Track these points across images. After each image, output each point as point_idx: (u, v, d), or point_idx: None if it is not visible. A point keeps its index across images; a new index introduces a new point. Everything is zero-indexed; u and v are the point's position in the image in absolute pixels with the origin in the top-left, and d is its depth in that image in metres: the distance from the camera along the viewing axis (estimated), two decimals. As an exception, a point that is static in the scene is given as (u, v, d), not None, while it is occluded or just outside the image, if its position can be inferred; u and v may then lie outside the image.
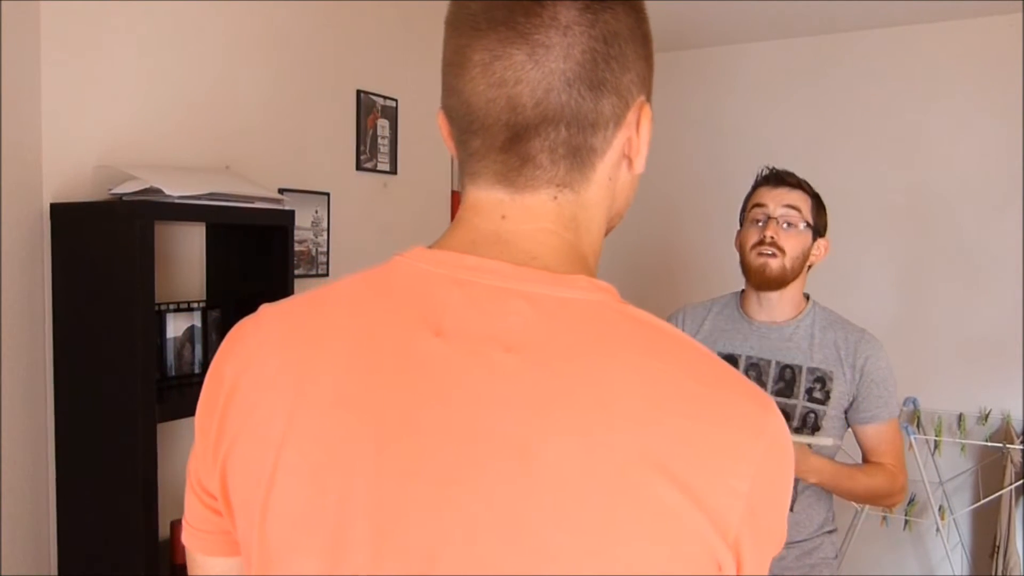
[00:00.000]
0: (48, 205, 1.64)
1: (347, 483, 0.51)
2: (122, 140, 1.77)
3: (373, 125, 2.51)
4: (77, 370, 1.62)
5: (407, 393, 0.52)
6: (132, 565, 1.53)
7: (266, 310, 0.61)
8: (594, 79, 0.54)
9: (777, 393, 1.59)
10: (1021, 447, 2.74)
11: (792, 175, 1.64)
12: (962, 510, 3.01)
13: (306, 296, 0.61)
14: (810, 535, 1.61)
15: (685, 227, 3.57)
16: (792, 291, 1.63)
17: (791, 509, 1.56)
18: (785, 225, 1.59)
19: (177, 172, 1.78)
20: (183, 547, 0.67)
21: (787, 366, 1.60)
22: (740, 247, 1.66)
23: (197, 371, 1.83)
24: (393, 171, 2.62)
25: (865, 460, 1.64)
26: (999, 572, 2.73)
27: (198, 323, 1.84)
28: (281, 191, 2.16)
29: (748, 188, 1.70)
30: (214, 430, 0.59)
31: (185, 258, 1.95)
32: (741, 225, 1.69)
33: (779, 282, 1.60)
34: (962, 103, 3.01)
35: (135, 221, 1.49)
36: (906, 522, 3.08)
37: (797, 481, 1.53)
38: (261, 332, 0.60)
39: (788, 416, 1.58)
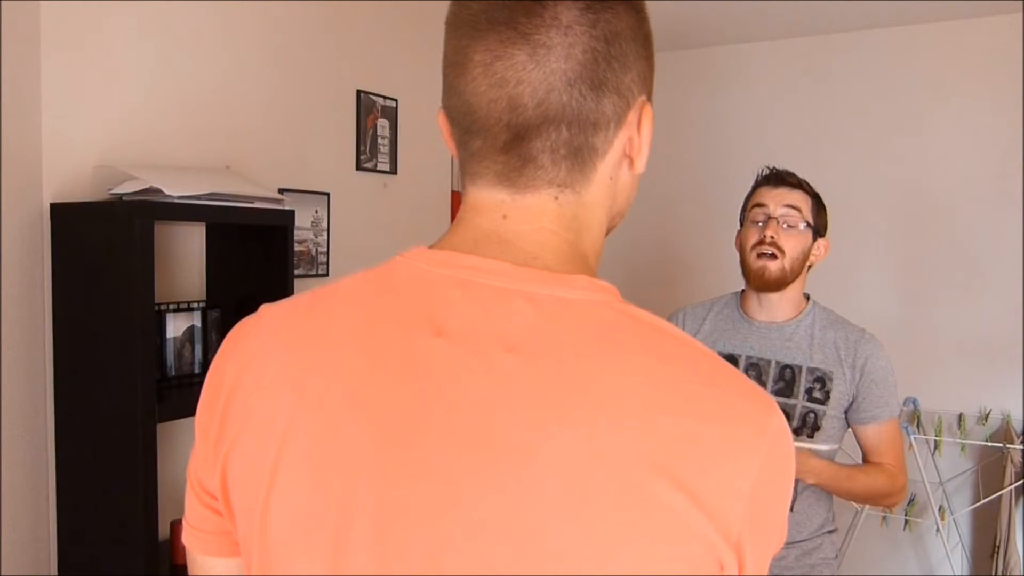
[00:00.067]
0: (48, 205, 1.64)
1: (349, 483, 0.51)
2: (122, 140, 1.77)
3: (373, 125, 2.51)
4: (77, 370, 1.62)
5: (408, 393, 0.51)
6: (132, 565, 1.53)
7: (267, 310, 0.61)
8: (595, 79, 0.54)
9: (777, 393, 1.59)
10: (1021, 447, 2.74)
11: (792, 175, 1.64)
12: (962, 510, 3.01)
13: (307, 296, 0.61)
14: (810, 535, 1.61)
15: (685, 227, 3.57)
16: (792, 291, 1.63)
17: (791, 509, 1.56)
18: (785, 226, 1.59)
19: (177, 172, 1.78)
20: (183, 547, 0.67)
21: (787, 366, 1.60)
22: (740, 247, 1.66)
23: (197, 371, 1.83)
24: (393, 171, 2.62)
25: (865, 460, 1.64)
26: (999, 572, 2.73)
27: (198, 323, 1.84)
28: (281, 191, 2.16)
29: (748, 188, 1.70)
30: (214, 430, 0.59)
31: (185, 258, 1.95)
32: (741, 225, 1.69)
33: (778, 284, 1.60)
34: (962, 103, 3.01)
35: (135, 221, 1.49)
36: (906, 522, 3.08)
37: (797, 481, 1.53)
38: (262, 332, 0.59)
39: (788, 416, 1.58)
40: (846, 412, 1.60)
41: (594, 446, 0.47)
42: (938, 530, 2.95)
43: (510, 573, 0.47)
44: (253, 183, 1.90)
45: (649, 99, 0.59)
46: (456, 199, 2.93)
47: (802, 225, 1.60)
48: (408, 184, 2.68)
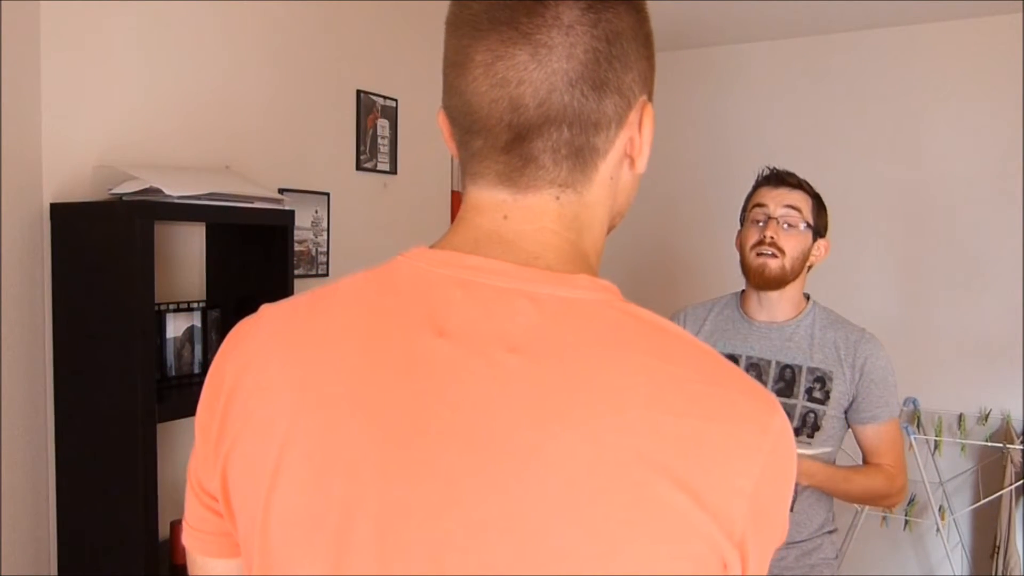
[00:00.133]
0: (48, 205, 1.64)
1: (351, 483, 0.51)
2: (122, 140, 1.77)
3: (373, 125, 2.51)
4: (77, 370, 1.62)
5: (410, 394, 0.51)
6: (132, 565, 1.53)
7: (267, 310, 0.61)
8: (597, 79, 0.54)
9: (777, 393, 1.59)
10: (1021, 447, 2.74)
11: (793, 175, 1.64)
12: (962, 510, 3.01)
13: (307, 296, 0.60)
14: (810, 535, 1.60)
15: (685, 227, 3.57)
16: (792, 291, 1.63)
17: (791, 509, 1.56)
18: (785, 226, 1.59)
19: (177, 172, 1.78)
20: (183, 547, 0.67)
21: (787, 366, 1.60)
22: (740, 247, 1.66)
23: (197, 371, 1.83)
24: (393, 171, 2.61)
25: (865, 461, 1.64)
26: (999, 572, 2.73)
27: (198, 323, 1.84)
28: (281, 191, 2.16)
29: (748, 188, 1.70)
30: (215, 431, 0.58)
31: (185, 258, 1.95)
32: (741, 225, 1.69)
33: (778, 282, 1.59)
34: (962, 103, 3.01)
35: (135, 221, 1.49)
36: (906, 522, 3.08)
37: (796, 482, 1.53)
38: (262, 332, 0.59)
39: (788, 416, 1.57)
40: (846, 412, 1.60)
41: (596, 446, 0.47)
42: (938, 530, 2.95)
43: (512, 573, 0.47)
44: (253, 183, 1.90)
45: (650, 99, 0.59)
46: (456, 199, 2.93)
47: (802, 225, 1.60)
48: (408, 184, 2.68)
